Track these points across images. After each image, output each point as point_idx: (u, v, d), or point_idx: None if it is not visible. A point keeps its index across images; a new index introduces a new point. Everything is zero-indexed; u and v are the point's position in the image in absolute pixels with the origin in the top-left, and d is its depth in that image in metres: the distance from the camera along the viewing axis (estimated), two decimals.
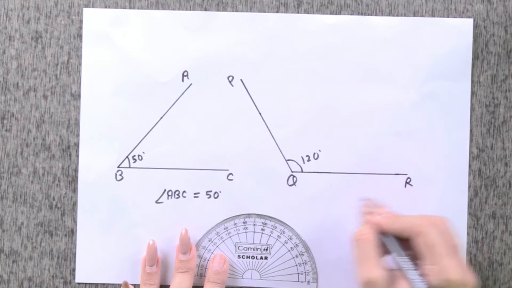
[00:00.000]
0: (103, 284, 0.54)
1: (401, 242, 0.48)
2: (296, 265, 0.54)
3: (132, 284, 0.53)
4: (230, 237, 0.54)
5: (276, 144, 0.54)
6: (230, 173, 0.54)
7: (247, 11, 0.54)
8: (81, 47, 0.55)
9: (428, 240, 0.46)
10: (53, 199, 0.55)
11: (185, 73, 0.54)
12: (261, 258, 0.54)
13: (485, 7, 0.54)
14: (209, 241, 0.54)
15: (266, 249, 0.54)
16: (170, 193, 0.54)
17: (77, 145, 0.54)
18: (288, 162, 0.54)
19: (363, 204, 0.51)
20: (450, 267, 0.44)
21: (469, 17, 0.54)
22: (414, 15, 0.54)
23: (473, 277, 0.45)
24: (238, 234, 0.54)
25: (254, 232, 0.54)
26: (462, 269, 0.45)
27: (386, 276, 0.46)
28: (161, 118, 0.54)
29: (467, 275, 0.45)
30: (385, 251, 0.48)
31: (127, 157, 0.54)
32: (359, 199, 0.52)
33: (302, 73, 0.54)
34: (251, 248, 0.54)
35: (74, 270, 0.54)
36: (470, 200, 0.54)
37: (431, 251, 0.45)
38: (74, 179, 0.55)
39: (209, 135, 0.54)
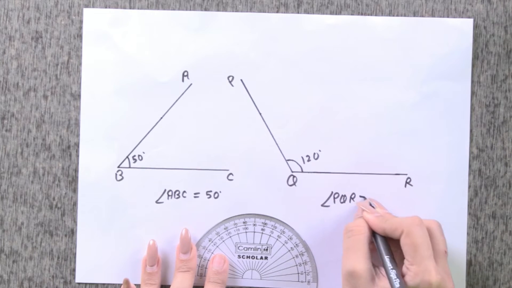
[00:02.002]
0: (103, 284, 0.54)
1: (390, 243, 0.48)
2: (296, 265, 0.54)
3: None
4: (230, 237, 0.54)
5: (276, 144, 0.54)
6: (230, 173, 0.54)
7: (247, 11, 0.54)
8: (81, 47, 0.55)
9: (413, 240, 0.45)
10: (53, 199, 0.55)
11: (185, 73, 0.54)
12: (261, 258, 0.54)
13: (485, 7, 0.54)
14: (209, 241, 0.54)
15: (266, 249, 0.54)
16: (170, 193, 0.54)
17: (77, 145, 0.54)
18: (288, 162, 0.54)
19: (361, 202, 0.52)
20: (431, 269, 0.44)
21: (469, 17, 0.54)
22: (414, 15, 0.54)
23: (452, 285, 0.45)
24: (238, 234, 0.54)
25: (254, 232, 0.54)
26: (443, 274, 0.45)
27: (370, 270, 0.46)
28: (161, 118, 0.54)
29: (447, 281, 0.45)
30: (374, 250, 0.48)
31: (127, 157, 0.54)
32: (359, 198, 0.53)
33: (302, 73, 0.54)
34: (251, 248, 0.54)
35: (74, 270, 0.54)
36: (470, 200, 0.54)
37: (414, 251, 0.45)
38: (74, 179, 0.55)
39: (209, 135, 0.54)
